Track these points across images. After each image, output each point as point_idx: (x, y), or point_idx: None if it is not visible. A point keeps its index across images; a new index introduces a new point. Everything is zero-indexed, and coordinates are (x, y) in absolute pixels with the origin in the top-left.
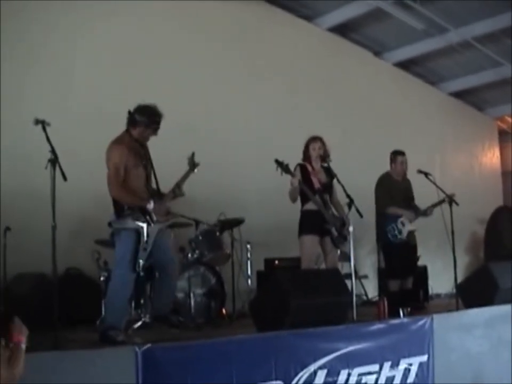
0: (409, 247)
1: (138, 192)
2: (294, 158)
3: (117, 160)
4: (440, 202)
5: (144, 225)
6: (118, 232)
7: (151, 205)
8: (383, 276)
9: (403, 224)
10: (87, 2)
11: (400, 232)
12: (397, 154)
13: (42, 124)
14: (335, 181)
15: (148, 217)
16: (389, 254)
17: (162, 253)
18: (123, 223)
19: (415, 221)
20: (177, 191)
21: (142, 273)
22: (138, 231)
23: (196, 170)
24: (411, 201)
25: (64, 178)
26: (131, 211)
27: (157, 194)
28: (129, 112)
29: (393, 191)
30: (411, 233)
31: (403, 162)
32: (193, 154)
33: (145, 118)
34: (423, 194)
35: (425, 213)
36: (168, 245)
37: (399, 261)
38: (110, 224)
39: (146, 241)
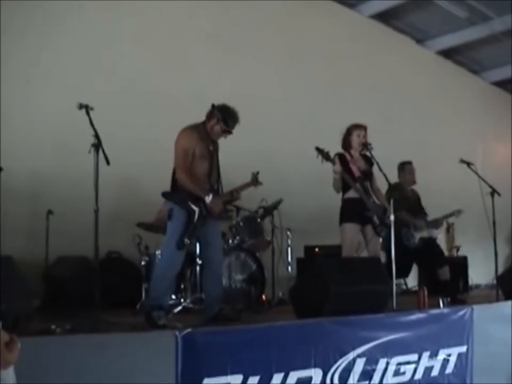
0: (421, 247)
1: (200, 182)
2: (335, 145)
3: (186, 144)
4: (450, 215)
5: (197, 210)
6: (171, 209)
7: (209, 198)
8: (431, 267)
9: (415, 230)
10: None
11: (413, 236)
12: (404, 164)
13: (86, 108)
14: (374, 168)
15: (202, 205)
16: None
17: (211, 249)
18: (178, 200)
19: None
20: (235, 193)
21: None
22: (191, 212)
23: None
24: (420, 211)
25: (107, 162)
26: (189, 194)
27: (215, 192)
28: (212, 105)
29: (405, 199)
30: (423, 238)
31: (412, 171)
32: (257, 173)
33: (221, 115)
34: (465, 183)
35: (436, 225)
36: (217, 243)
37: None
38: (164, 194)
39: (195, 226)
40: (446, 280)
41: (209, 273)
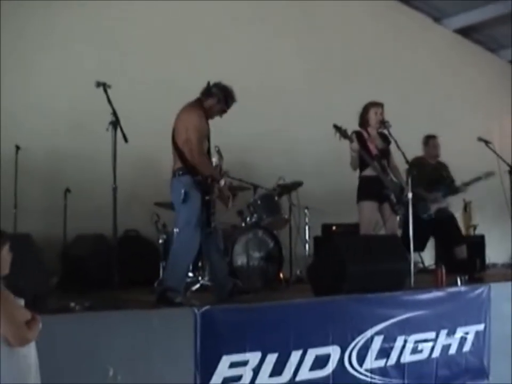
0: (438, 222)
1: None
2: (352, 125)
3: (199, 124)
4: (477, 180)
5: (214, 193)
6: (186, 192)
7: (222, 182)
8: (448, 244)
9: (432, 202)
10: None
11: (429, 209)
12: (429, 138)
13: (104, 86)
14: (392, 146)
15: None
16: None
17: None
18: (196, 184)
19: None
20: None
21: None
22: (206, 196)
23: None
24: (439, 183)
25: (125, 140)
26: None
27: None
28: (208, 83)
29: (423, 173)
30: (442, 209)
31: (435, 146)
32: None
33: (221, 94)
34: (483, 162)
35: (458, 190)
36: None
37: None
38: (175, 173)
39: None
40: (463, 259)
41: (216, 251)
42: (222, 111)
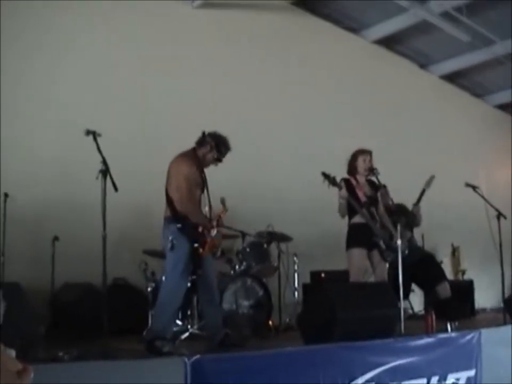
0: (418, 263)
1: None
2: (339, 172)
3: (187, 173)
4: (422, 193)
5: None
6: (174, 240)
7: (214, 232)
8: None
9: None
10: None
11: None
12: None
13: (93, 134)
14: (379, 193)
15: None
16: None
17: (208, 276)
18: (182, 231)
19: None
20: (220, 221)
21: (189, 284)
22: (195, 243)
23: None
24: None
25: (116, 189)
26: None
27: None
28: (203, 133)
29: None
30: (419, 250)
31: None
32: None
33: (213, 142)
34: (470, 207)
35: (413, 212)
36: (213, 270)
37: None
38: (165, 221)
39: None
40: (448, 299)
41: (209, 300)
42: (216, 160)
